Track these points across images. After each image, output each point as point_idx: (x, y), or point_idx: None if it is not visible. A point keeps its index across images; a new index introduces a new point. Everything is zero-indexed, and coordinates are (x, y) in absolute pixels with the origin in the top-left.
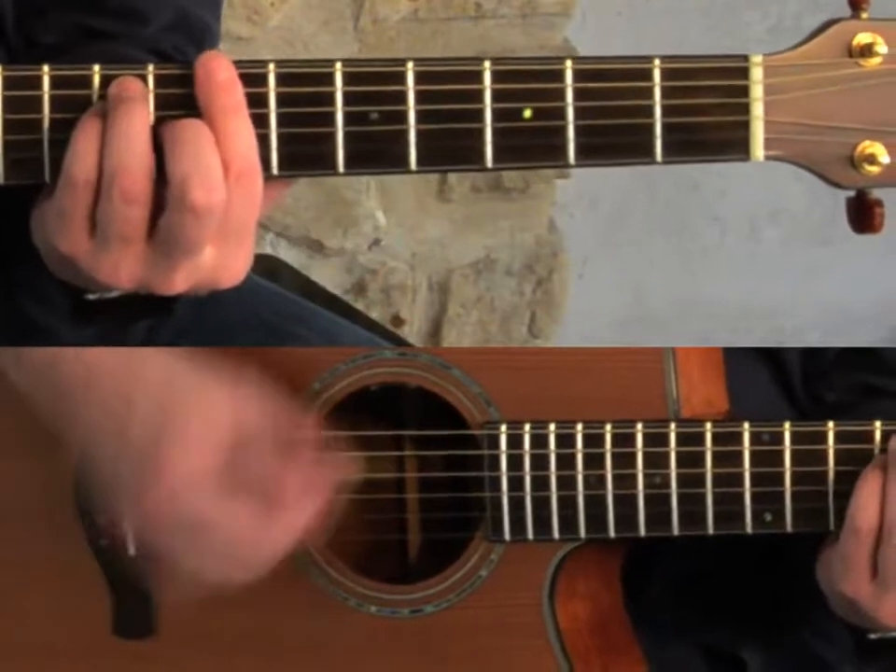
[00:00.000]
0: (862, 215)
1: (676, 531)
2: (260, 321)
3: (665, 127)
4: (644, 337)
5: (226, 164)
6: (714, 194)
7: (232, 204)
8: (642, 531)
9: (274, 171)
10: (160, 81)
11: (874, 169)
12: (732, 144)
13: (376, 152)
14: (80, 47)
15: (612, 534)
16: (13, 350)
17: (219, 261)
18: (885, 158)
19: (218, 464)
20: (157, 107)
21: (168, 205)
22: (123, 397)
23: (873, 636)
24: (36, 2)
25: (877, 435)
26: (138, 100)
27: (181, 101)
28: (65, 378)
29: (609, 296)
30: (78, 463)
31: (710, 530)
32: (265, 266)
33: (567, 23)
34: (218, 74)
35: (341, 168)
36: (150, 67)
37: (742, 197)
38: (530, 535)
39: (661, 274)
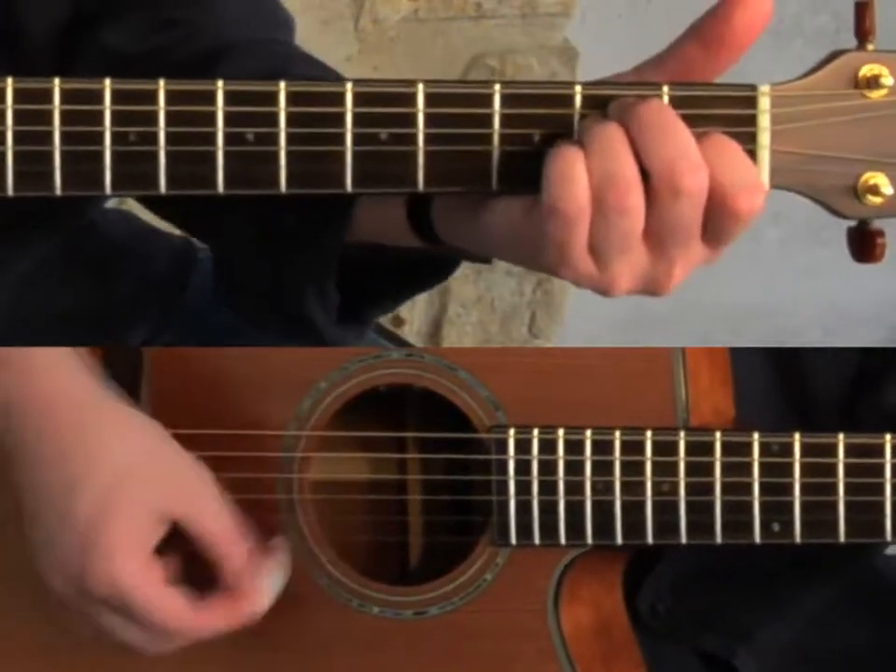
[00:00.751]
0: (864, 245)
1: (683, 539)
2: None
3: None
4: (644, 337)
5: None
6: None
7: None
8: (650, 539)
9: (283, 189)
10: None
11: (876, 200)
12: None
13: (384, 172)
14: (158, 38)
15: (620, 541)
16: None
17: (708, 251)
18: (888, 189)
19: (157, 542)
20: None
21: (658, 199)
22: (67, 469)
23: None
24: (95, 10)
25: (888, 448)
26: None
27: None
28: (9, 384)
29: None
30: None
31: (718, 539)
32: None
33: (567, 23)
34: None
35: (348, 187)
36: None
37: None
38: (536, 540)
39: None
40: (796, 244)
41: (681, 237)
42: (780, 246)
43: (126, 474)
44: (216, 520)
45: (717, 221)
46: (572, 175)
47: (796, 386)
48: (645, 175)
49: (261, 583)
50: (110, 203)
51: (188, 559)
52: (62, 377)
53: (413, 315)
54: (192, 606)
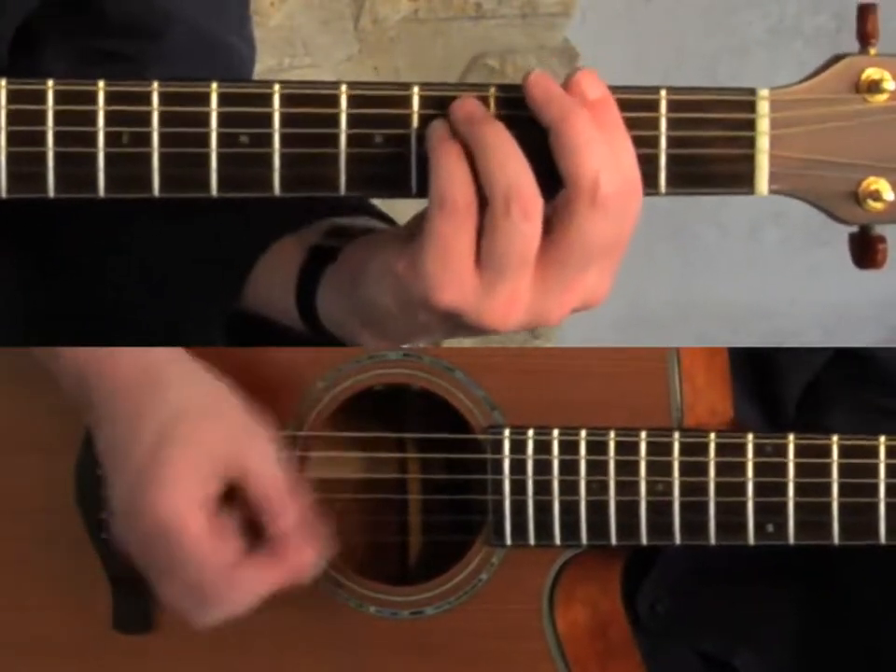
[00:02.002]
0: (865, 251)
1: (678, 540)
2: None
3: (670, 158)
4: (644, 337)
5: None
6: (714, 196)
7: (619, 219)
8: (644, 539)
9: (277, 192)
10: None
11: (878, 205)
12: (737, 177)
13: (378, 176)
14: (98, 69)
15: (614, 541)
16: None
17: (599, 279)
18: (889, 194)
19: (211, 495)
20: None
21: (573, 209)
22: (133, 412)
23: None
24: (34, 33)
25: (882, 450)
26: (490, 116)
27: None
28: (83, 367)
29: (610, 296)
30: (81, 456)
31: (712, 540)
32: None
33: (567, 23)
34: (592, 90)
35: (342, 190)
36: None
37: (742, 198)
38: (531, 540)
39: (661, 275)
40: (796, 244)
41: (596, 251)
42: (780, 246)
43: (186, 419)
44: (272, 479)
45: (585, 215)
46: (460, 169)
47: (765, 384)
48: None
49: (307, 549)
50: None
51: (242, 526)
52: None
53: None
54: (234, 557)
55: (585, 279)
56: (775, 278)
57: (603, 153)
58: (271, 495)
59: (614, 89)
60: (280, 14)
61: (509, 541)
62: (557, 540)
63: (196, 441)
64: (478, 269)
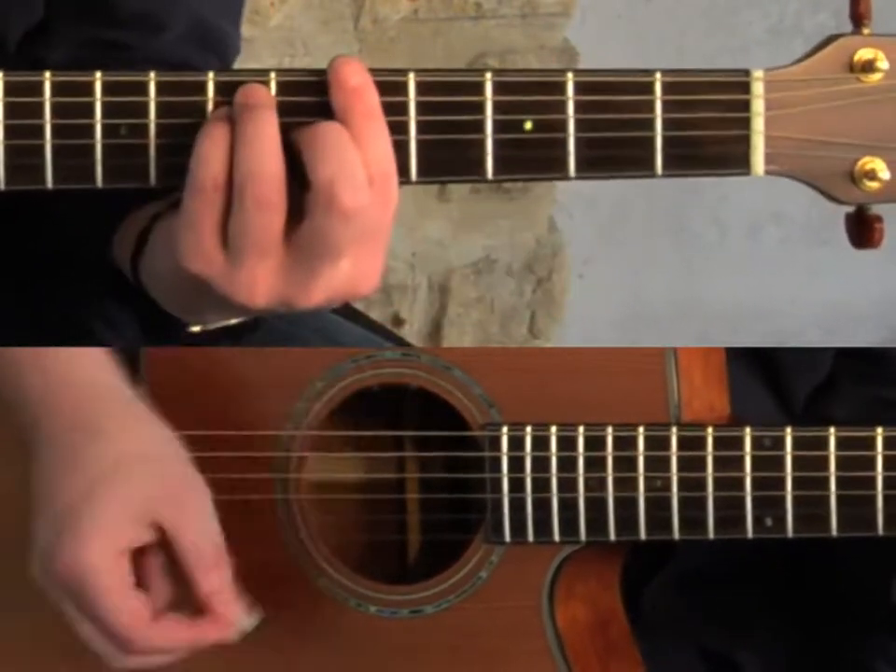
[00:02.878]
0: (862, 230)
1: (676, 535)
2: (262, 321)
3: (666, 141)
4: (644, 337)
5: (366, 168)
6: (714, 195)
7: (371, 208)
8: (643, 535)
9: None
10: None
11: (874, 185)
12: (732, 158)
13: None
14: (93, 60)
15: (613, 537)
16: None
17: (357, 269)
18: (885, 174)
19: (136, 544)
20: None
21: (313, 210)
22: (68, 455)
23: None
24: (37, 20)
25: (879, 441)
26: (266, 106)
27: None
28: (26, 387)
29: (610, 296)
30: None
31: (711, 534)
32: None
33: (567, 23)
34: (352, 79)
35: None
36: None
37: (742, 197)
38: (530, 537)
39: (661, 274)
40: (796, 244)
41: (328, 250)
42: (780, 246)
43: (120, 467)
44: (202, 536)
45: (321, 220)
46: (214, 155)
47: (779, 383)
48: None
49: (228, 612)
50: None
51: (172, 583)
52: (85, 371)
53: (413, 315)
54: (152, 614)
55: (335, 270)
56: (775, 278)
57: (343, 160)
58: (197, 555)
59: (609, 72)
60: (280, 14)
61: (508, 539)
62: (556, 537)
63: (127, 489)
64: (224, 245)
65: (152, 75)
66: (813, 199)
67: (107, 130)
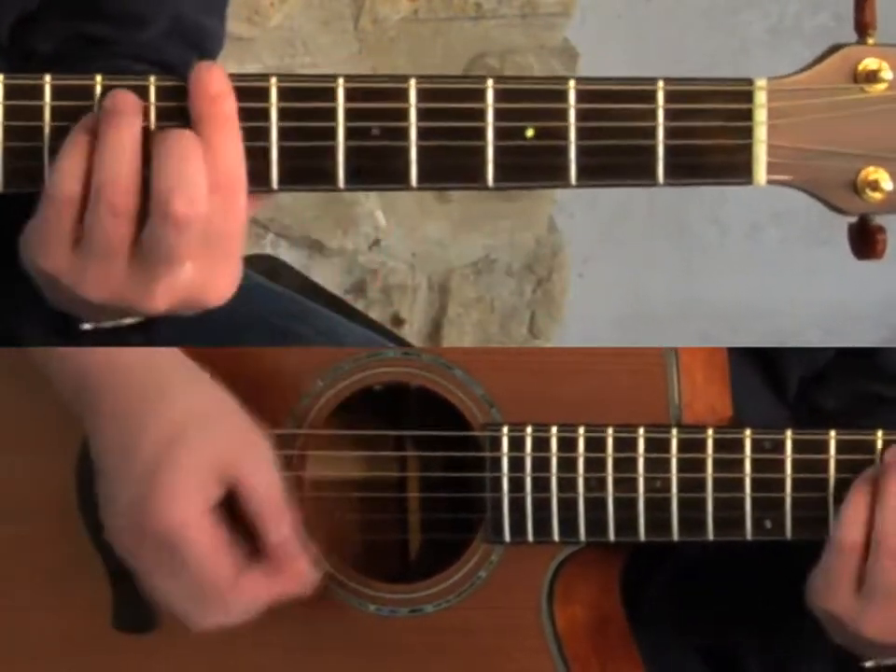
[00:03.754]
0: (864, 241)
1: (676, 537)
2: (263, 321)
3: (668, 149)
4: (644, 337)
5: (210, 177)
6: (714, 194)
7: (214, 218)
8: (642, 536)
9: (275, 185)
10: (161, 93)
11: (876, 195)
12: (734, 167)
13: (377, 168)
14: (77, 55)
15: (612, 538)
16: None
17: (203, 278)
18: (888, 184)
19: (214, 502)
20: (158, 119)
21: (150, 217)
22: (138, 416)
23: (868, 664)
24: (31, 10)
25: (878, 444)
26: (129, 113)
27: (182, 113)
28: (85, 368)
29: (610, 295)
30: (82, 456)
31: (710, 536)
32: (265, 266)
33: (567, 23)
34: (211, 86)
35: (341, 183)
36: (152, 78)
37: (742, 197)
38: (530, 537)
39: (661, 274)
40: (796, 244)
41: (165, 257)
42: (780, 246)
43: (191, 425)
44: (269, 488)
45: (157, 228)
46: (71, 167)
47: (777, 377)
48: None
49: (303, 560)
50: None
51: (246, 538)
52: (137, 351)
53: (413, 315)
54: (236, 567)
55: (174, 276)
56: (775, 278)
57: (183, 169)
58: (265, 505)
59: (612, 80)
60: (280, 14)
61: (507, 539)
62: (556, 537)
63: (202, 446)
64: (76, 247)
65: (152, 79)
66: (813, 199)
67: None
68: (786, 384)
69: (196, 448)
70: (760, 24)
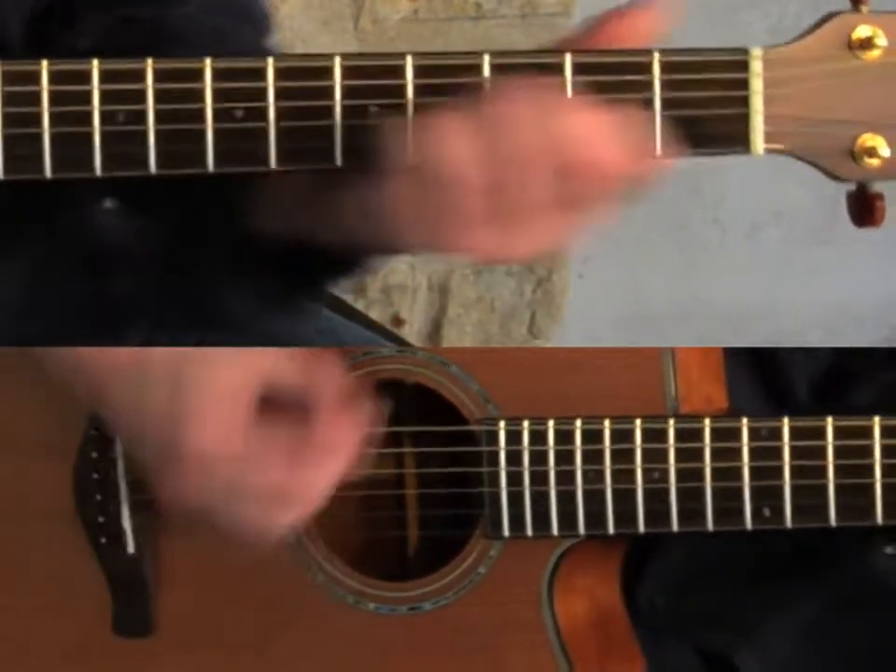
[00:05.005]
0: (863, 208)
1: (675, 527)
2: None
3: (665, 120)
4: (644, 337)
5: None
6: (714, 194)
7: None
8: (641, 527)
9: (273, 164)
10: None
11: (874, 162)
12: (731, 137)
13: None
14: (123, 42)
15: (611, 530)
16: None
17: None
18: (885, 151)
19: (242, 419)
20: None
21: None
22: (140, 365)
23: (889, 549)
24: (67, 8)
25: (877, 430)
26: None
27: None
28: (89, 368)
29: (610, 295)
30: (79, 459)
31: (710, 526)
32: None
33: (567, 23)
34: None
35: (338, 162)
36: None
37: (742, 197)
38: (529, 531)
39: (661, 274)
40: (796, 243)
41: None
42: (780, 246)
43: (191, 352)
44: (296, 375)
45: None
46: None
47: (776, 384)
48: None
49: (350, 432)
50: (108, 204)
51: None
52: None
53: (413, 315)
54: (288, 458)
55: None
56: (775, 278)
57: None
58: (303, 388)
59: (607, 52)
60: (280, 14)
61: (506, 533)
62: (555, 531)
63: (212, 361)
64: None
65: (149, 61)
66: (814, 198)
67: (106, 117)
68: (791, 385)
69: (209, 366)
70: (760, 24)
